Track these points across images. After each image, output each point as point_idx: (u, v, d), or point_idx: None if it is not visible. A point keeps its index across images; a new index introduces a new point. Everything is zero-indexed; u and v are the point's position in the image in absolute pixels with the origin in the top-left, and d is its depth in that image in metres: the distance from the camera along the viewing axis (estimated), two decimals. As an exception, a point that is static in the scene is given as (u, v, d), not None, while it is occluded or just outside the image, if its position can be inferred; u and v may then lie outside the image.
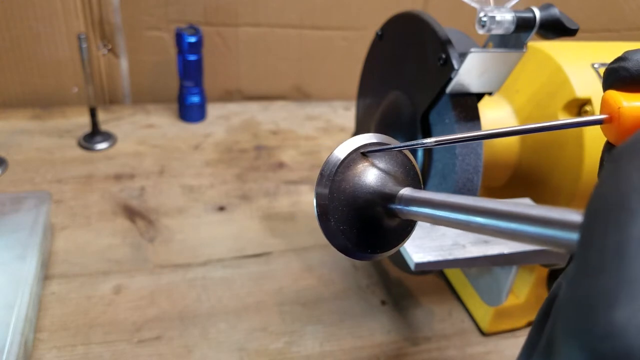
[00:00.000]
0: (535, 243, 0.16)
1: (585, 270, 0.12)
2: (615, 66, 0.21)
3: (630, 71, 0.20)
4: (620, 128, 0.20)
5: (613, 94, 0.21)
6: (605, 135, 0.22)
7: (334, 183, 0.23)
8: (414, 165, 0.25)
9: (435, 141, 0.22)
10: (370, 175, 0.23)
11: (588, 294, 0.11)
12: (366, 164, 0.23)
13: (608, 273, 0.11)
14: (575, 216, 0.14)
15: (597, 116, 0.21)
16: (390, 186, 0.23)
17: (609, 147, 0.22)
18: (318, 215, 0.23)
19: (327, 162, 0.23)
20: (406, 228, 0.24)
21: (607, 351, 0.10)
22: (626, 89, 0.21)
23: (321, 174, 0.23)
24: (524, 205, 0.16)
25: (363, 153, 0.24)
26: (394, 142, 0.24)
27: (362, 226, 0.23)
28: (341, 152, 0.23)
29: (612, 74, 0.21)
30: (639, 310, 0.10)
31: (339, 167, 0.23)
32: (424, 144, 0.22)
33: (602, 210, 0.12)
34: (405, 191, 0.22)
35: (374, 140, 0.24)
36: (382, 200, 0.23)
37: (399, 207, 0.22)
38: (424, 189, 0.43)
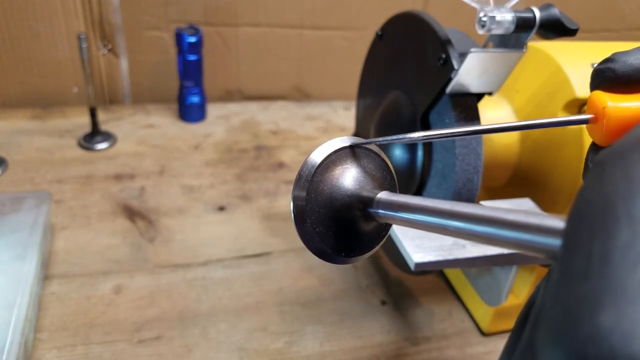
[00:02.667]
0: (512, 248, 0.16)
1: (569, 276, 0.12)
2: (602, 67, 0.21)
3: (617, 72, 0.20)
4: (605, 128, 0.20)
5: (599, 94, 0.21)
6: (591, 136, 0.21)
7: (312, 184, 0.23)
8: (391, 169, 0.25)
9: (423, 136, 0.22)
10: (348, 177, 0.23)
11: (572, 299, 0.11)
12: (344, 166, 0.24)
13: (593, 279, 0.11)
14: (554, 222, 0.14)
15: (583, 116, 0.21)
16: (368, 189, 0.23)
17: (594, 147, 0.22)
18: (294, 216, 0.23)
19: (305, 164, 0.23)
20: (381, 232, 0.25)
21: (592, 354, 0.10)
22: (613, 90, 0.21)
23: (299, 175, 0.23)
24: (502, 210, 0.16)
25: (352, 148, 0.24)
26: (369, 145, 0.25)
27: (338, 229, 0.23)
28: (320, 154, 0.23)
29: (599, 75, 0.21)
30: (624, 315, 0.10)
31: (317, 168, 0.23)
32: (411, 138, 0.22)
33: (587, 216, 0.12)
34: (383, 195, 0.22)
35: (350, 143, 0.24)
36: (360, 203, 0.23)
37: (376, 210, 0.22)
38: (425, 188, 0.43)
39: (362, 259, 0.25)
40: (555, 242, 0.14)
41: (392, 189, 0.24)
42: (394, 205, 0.21)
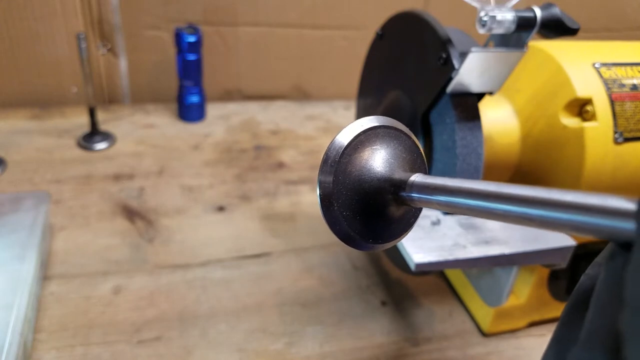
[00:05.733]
0: (570, 231, 0.15)
1: None
2: None
3: None
4: None
5: None
6: None
7: (339, 166, 0.22)
8: (421, 152, 0.24)
9: None
10: (378, 159, 0.22)
11: None
12: (374, 147, 0.22)
13: None
14: (620, 202, 0.13)
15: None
16: (399, 172, 0.22)
17: None
18: (321, 198, 0.22)
19: (332, 145, 0.22)
20: (410, 219, 0.23)
21: None
22: None
23: (326, 156, 0.22)
24: (557, 190, 0.15)
25: (381, 128, 0.23)
26: (398, 125, 0.23)
27: (366, 213, 0.22)
28: (347, 134, 0.22)
29: None
30: None
31: (345, 149, 0.22)
32: None
33: None
34: (417, 177, 0.21)
35: (379, 123, 0.23)
36: (391, 186, 0.22)
37: (410, 194, 0.21)
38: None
39: (389, 246, 0.23)
40: (623, 224, 0.13)
41: (422, 173, 0.23)
42: (431, 188, 0.20)
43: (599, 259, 0.17)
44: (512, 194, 0.17)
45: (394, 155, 0.22)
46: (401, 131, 0.23)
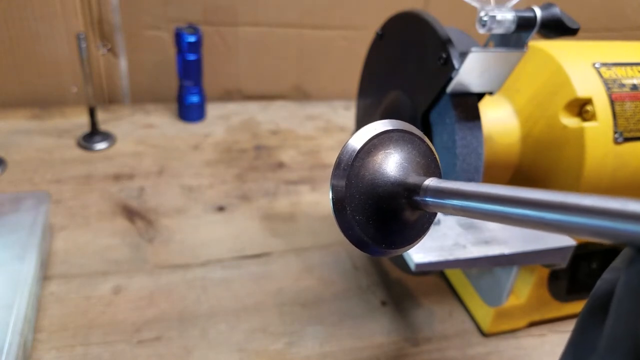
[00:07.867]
0: (588, 235, 0.15)
1: None
2: None
3: None
4: None
5: None
6: None
7: (352, 170, 0.21)
8: (435, 156, 0.23)
9: None
10: (392, 163, 0.22)
11: None
12: (387, 151, 0.22)
13: None
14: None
15: None
16: (413, 176, 0.22)
17: None
18: (333, 202, 0.22)
19: (345, 148, 0.22)
20: (423, 225, 0.23)
21: None
22: None
23: (339, 160, 0.22)
24: (574, 194, 0.15)
25: (395, 132, 0.22)
26: (412, 129, 0.23)
27: (379, 218, 0.22)
28: (360, 138, 0.22)
29: None
30: None
31: (358, 153, 0.21)
32: None
33: None
34: (431, 182, 0.21)
35: (392, 127, 0.22)
36: (405, 191, 0.21)
37: (424, 199, 0.21)
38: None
39: (402, 252, 0.23)
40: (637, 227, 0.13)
41: (437, 177, 0.23)
42: (446, 192, 0.20)
43: (616, 263, 0.16)
44: (530, 199, 0.16)
45: (408, 159, 0.22)
46: (415, 135, 0.23)
